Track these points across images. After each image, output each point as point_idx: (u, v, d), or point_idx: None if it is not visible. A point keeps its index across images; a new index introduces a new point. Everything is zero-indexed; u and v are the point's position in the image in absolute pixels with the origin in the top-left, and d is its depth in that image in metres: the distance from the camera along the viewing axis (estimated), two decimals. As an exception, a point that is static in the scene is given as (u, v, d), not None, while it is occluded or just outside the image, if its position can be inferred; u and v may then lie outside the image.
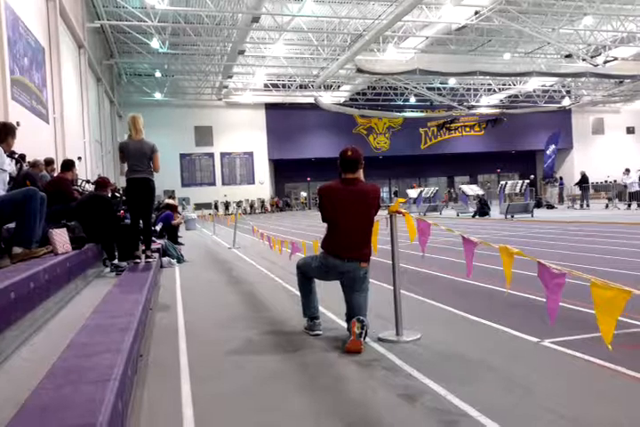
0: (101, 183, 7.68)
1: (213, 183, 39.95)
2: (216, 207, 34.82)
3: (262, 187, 40.57)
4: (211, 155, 39.97)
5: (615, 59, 27.49)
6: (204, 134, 39.58)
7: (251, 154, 40.59)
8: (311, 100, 36.57)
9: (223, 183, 40.07)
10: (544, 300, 2.67)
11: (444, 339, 4.00)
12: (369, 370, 3.37)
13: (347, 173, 4.09)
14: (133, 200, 6.88)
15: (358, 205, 4.02)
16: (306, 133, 40.89)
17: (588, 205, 23.70)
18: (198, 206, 36.74)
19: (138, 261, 6.91)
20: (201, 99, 38.28)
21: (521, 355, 3.58)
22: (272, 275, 7.67)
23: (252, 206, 39.21)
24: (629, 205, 21.51)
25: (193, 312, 5.36)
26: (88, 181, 13.62)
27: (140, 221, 6.98)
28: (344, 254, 3.99)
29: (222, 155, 40.12)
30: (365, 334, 3.79)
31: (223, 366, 3.61)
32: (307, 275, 4.23)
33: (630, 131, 45.82)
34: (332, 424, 2.61)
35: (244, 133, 40.02)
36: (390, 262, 4.11)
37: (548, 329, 3.73)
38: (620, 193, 23.43)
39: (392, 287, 4.07)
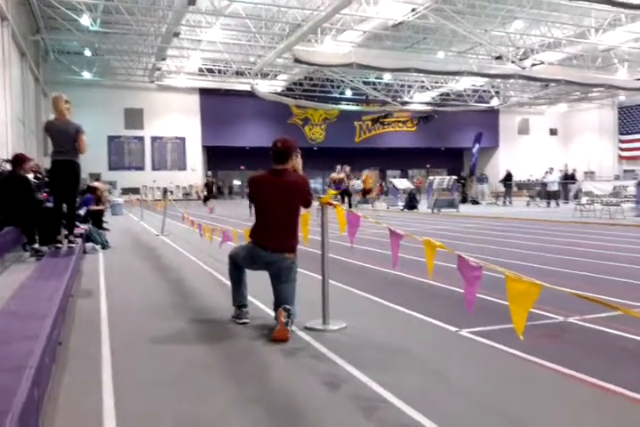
0: (17, 160, 7.30)
1: (142, 168, 38.81)
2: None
3: (194, 173, 39.80)
4: (140, 138, 38.75)
5: (542, 63, 28.70)
6: (134, 117, 38.28)
7: (183, 139, 39.66)
8: (247, 88, 36.08)
9: (153, 168, 39.02)
10: (463, 291, 2.79)
11: (368, 328, 4.10)
12: (294, 358, 3.42)
13: (276, 163, 4.12)
14: (57, 183, 6.63)
15: (284, 196, 4.06)
16: (241, 121, 40.35)
17: (510, 202, 24.76)
18: (126, 191, 35.63)
19: (59, 245, 6.67)
20: (132, 80, 36.95)
21: (440, 344, 3.73)
22: (200, 263, 7.59)
23: (188, 193, 38.22)
24: (549, 204, 22.64)
25: (117, 300, 5.24)
26: (9, 161, 12.92)
27: (64, 205, 6.73)
28: (269, 245, 4.03)
29: (153, 139, 38.98)
30: (292, 323, 3.84)
31: (146, 354, 3.56)
32: (237, 264, 4.24)
33: (553, 132, 48.04)
34: (256, 412, 2.64)
35: (176, 118, 39.02)
36: (320, 253, 4.17)
37: (466, 319, 3.91)
38: (540, 191, 24.59)
39: (320, 277, 4.13)
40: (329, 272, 4.13)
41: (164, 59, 32.86)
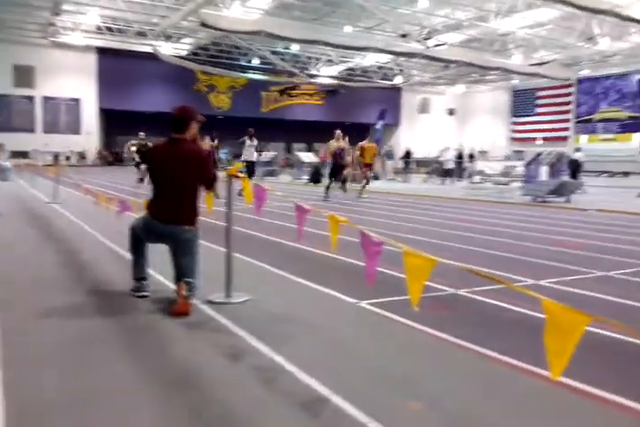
0: None
1: (32, 130, 36.18)
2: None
3: (89, 137, 37.70)
4: (31, 98, 36.03)
5: (444, 44, 29.61)
6: (24, 75, 35.40)
7: (78, 101, 37.34)
8: (149, 50, 34.44)
9: (44, 131, 36.51)
10: (364, 264, 2.89)
11: (272, 300, 4.16)
12: (196, 332, 3.41)
13: (174, 132, 4.02)
14: None
15: (180, 166, 3.93)
16: (142, 84, 38.52)
17: (408, 179, 25.64)
18: (14, 155, 33.20)
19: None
20: (24, 35, 34.07)
21: (340, 315, 3.86)
22: (96, 233, 7.28)
23: (82, 157, 36.37)
24: (444, 181, 23.69)
25: (4, 271, 4.93)
26: None
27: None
28: (166, 217, 3.92)
29: (45, 99, 36.39)
30: (193, 296, 3.80)
31: (37, 328, 3.41)
32: (137, 236, 4.10)
33: (452, 112, 50.00)
34: (153, 386, 2.62)
35: (71, 78, 36.54)
36: (225, 225, 4.13)
37: (366, 291, 4.06)
38: (436, 169, 25.63)
39: (225, 249, 4.11)
40: (233, 245, 4.11)
41: (58, 14, 30.54)
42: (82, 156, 36.99)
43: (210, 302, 3.94)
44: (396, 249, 2.68)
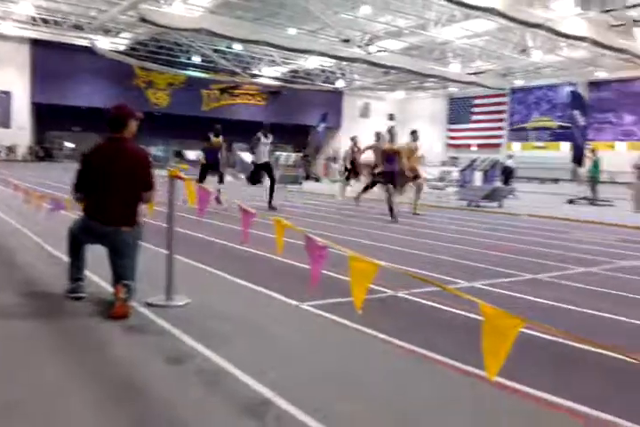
0: None
1: (-42, 123, 34.32)
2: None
3: (21, 132, 36.04)
4: (-44, 89, 34.21)
5: (385, 50, 30.15)
6: (-52, 64, 33.59)
7: (8, 93, 35.65)
8: (86, 43, 33.32)
9: (-29, 124, 34.68)
10: (308, 267, 2.93)
11: (213, 303, 4.12)
12: (135, 335, 3.35)
13: (112, 131, 3.96)
14: None
15: (121, 166, 3.87)
16: (77, 79, 37.12)
17: (350, 182, 25.92)
18: None
19: None
20: (-53, 21, 32.28)
21: (282, 317, 3.88)
22: (27, 232, 6.99)
23: (12, 151, 34.85)
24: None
25: None
26: None
27: None
28: (103, 218, 3.84)
29: (-28, 91, 34.59)
30: (131, 299, 3.72)
31: (-34, 332, 3.26)
32: (75, 237, 3.98)
33: (391, 117, 50.89)
34: (88, 389, 2.56)
35: (2, 70, 34.90)
36: (166, 226, 4.07)
37: (309, 294, 4.09)
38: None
39: (166, 251, 4.04)
40: (175, 247, 4.05)
41: (-14, 0, 29.07)
42: (11, 150, 35.35)
43: (150, 305, 3.87)
44: (338, 252, 2.74)
